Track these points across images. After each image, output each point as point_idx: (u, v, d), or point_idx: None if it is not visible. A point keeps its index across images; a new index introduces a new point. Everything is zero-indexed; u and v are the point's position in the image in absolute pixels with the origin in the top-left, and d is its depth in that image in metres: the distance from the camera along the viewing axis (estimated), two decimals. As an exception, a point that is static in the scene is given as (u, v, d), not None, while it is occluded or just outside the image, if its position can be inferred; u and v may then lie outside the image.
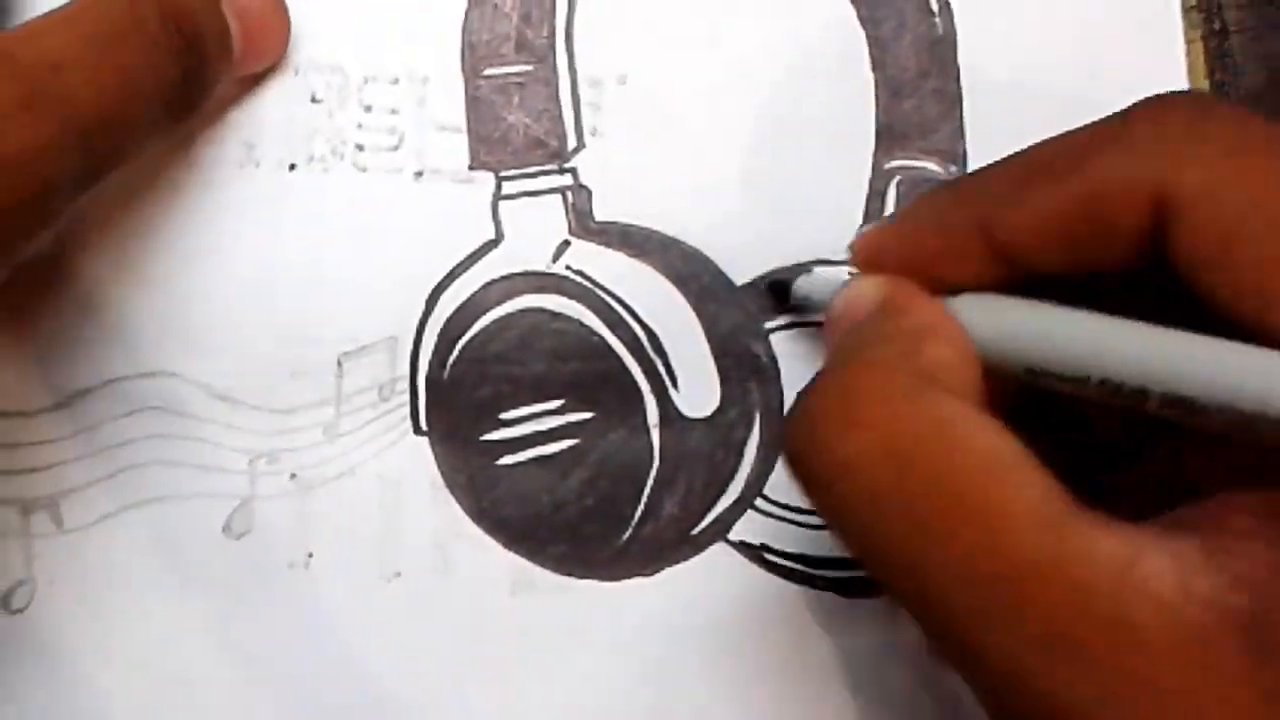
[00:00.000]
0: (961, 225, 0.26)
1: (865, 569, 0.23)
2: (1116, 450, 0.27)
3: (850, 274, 0.28)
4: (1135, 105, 0.24)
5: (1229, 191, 0.22)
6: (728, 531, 0.31)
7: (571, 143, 0.32)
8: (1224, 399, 0.21)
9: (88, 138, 0.25)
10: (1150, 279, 0.23)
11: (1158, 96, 0.25)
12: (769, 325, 0.31)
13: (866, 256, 0.28)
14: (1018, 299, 0.25)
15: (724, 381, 0.31)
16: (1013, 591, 0.20)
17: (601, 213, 0.32)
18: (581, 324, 0.31)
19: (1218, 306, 0.22)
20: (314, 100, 0.31)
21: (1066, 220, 0.24)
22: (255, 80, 0.30)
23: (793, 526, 0.31)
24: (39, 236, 0.26)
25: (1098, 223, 0.24)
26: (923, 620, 0.22)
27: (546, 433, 0.31)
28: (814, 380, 0.25)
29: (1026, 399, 0.25)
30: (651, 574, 0.31)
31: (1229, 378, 0.21)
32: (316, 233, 0.31)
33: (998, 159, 0.27)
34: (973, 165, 0.32)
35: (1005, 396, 0.24)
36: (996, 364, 0.25)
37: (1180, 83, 0.33)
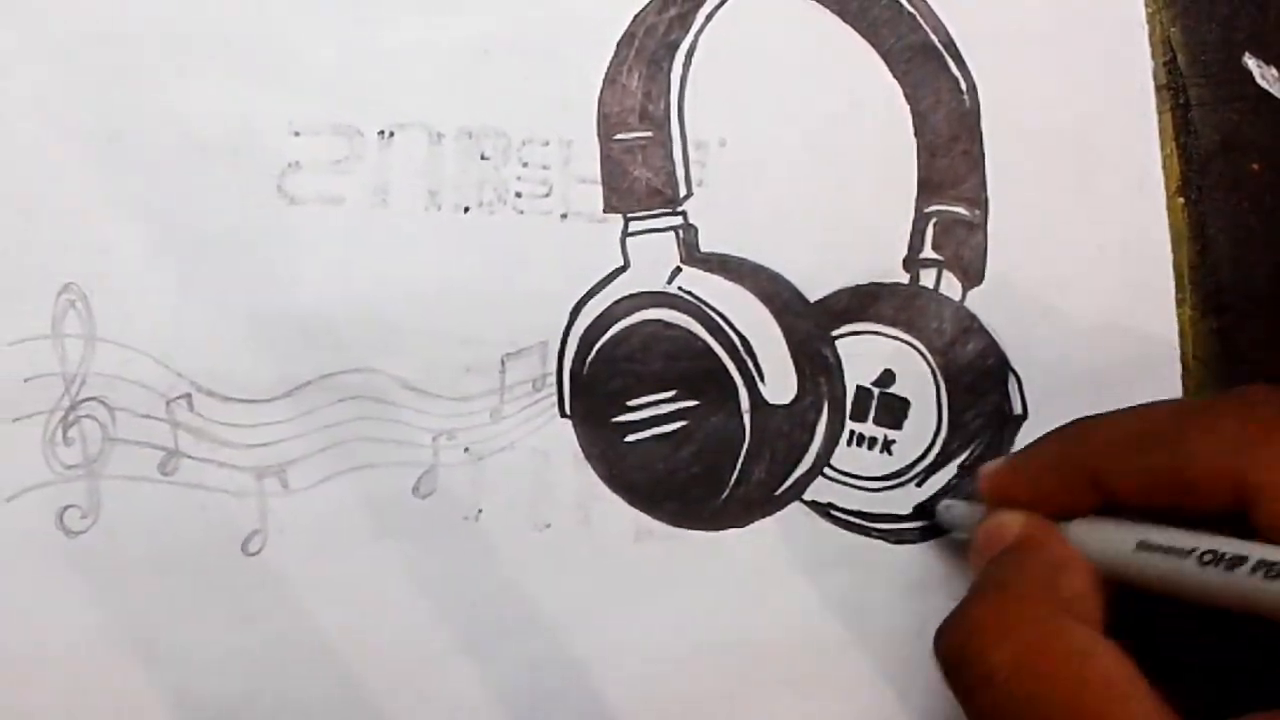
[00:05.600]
0: (1074, 473, 0.28)
1: None
2: (1205, 652, 0.29)
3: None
4: (1224, 395, 0.27)
5: None
6: (803, 493, 0.35)
7: (683, 191, 0.35)
8: None
9: None
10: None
11: (1242, 390, 0.27)
12: (835, 333, 0.36)
13: (992, 487, 0.31)
14: (1121, 521, 0.27)
15: (800, 377, 0.35)
16: None
17: (705, 245, 0.35)
18: (690, 332, 0.34)
19: None
20: (483, 158, 0.35)
21: (1160, 486, 0.26)
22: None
23: (852, 490, 0.36)
24: None
25: (1188, 493, 0.25)
26: None
27: (663, 416, 0.35)
28: (969, 598, 0.27)
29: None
30: (744, 525, 0.35)
31: None
32: (485, 261, 0.34)
33: (1106, 411, 0.29)
34: (993, 210, 0.36)
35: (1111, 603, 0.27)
36: (1107, 574, 0.27)
37: (1152, 143, 0.37)
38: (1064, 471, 0.29)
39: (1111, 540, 0.27)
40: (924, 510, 0.35)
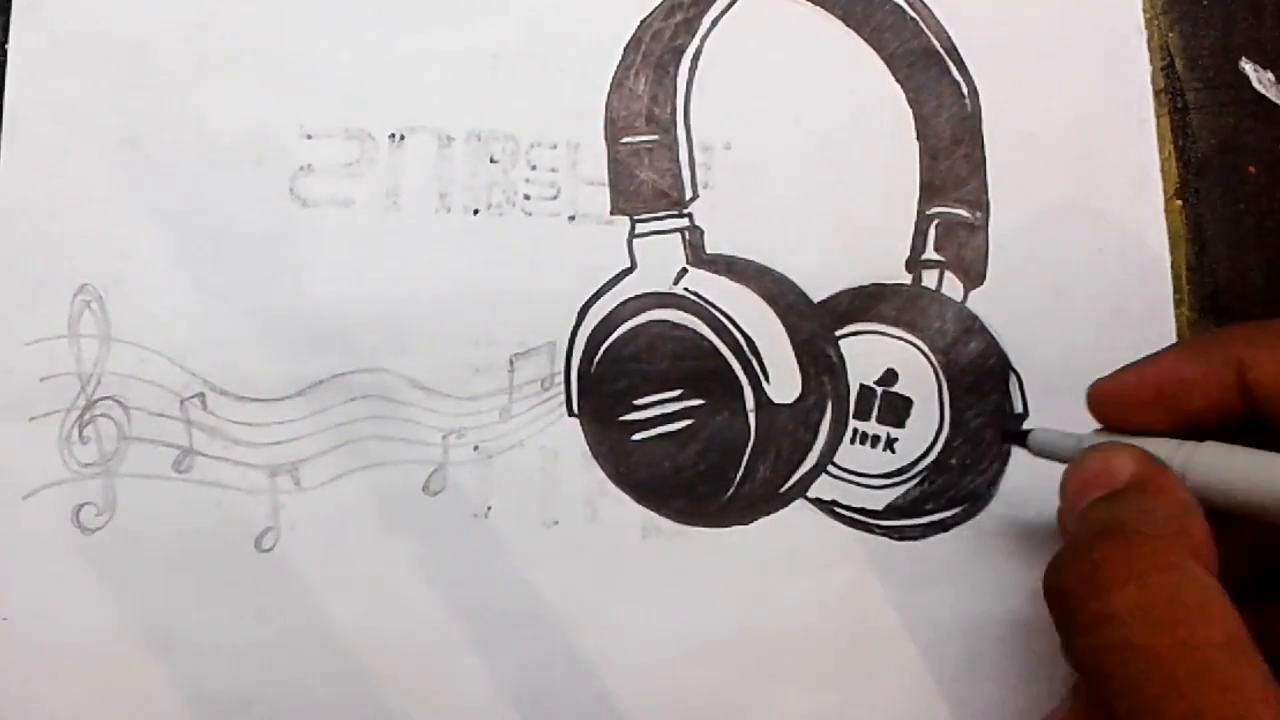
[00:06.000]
0: (1219, 362, 0.26)
1: (1098, 704, 0.23)
2: None
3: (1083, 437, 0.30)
4: None
5: None
6: (807, 490, 0.35)
7: (689, 194, 0.36)
8: None
9: None
10: None
11: None
12: (838, 333, 0.36)
13: (1109, 397, 0.29)
14: (1244, 449, 0.26)
15: (804, 376, 0.35)
16: None
17: (711, 247, 0.36)
18: (696, 332, 0.35)
19: None
20: (492, 161, 0.35)
21: None
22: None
23: (855, 487, 0.36)
24: None
25: None
26: None
27: (669, 415, 0.35)
28: (1088, 537, 0.25)
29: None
30: (749, 522, 0.35)
31: None
32: (494, 262, 0.35)
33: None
34: (994, 212, 0.37)
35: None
36: (1222, 506, 0.26)
37: (1150, 146, 0.37)
38: (1207, 363, 0.27)
39: (1249, 466, 0.25)
40: (1016, 436, 0.33)
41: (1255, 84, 0.39)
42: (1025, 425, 0.34)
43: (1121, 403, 0.28)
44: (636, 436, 0.35)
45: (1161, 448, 0.27)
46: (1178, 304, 0.38)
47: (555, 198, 0.35)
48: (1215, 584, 0.23)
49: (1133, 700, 0.22)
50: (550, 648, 0.34)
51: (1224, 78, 0.38)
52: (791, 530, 0.35)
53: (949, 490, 0.35)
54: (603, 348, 0.35)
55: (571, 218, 0.36)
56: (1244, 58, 0.39)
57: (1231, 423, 0.26)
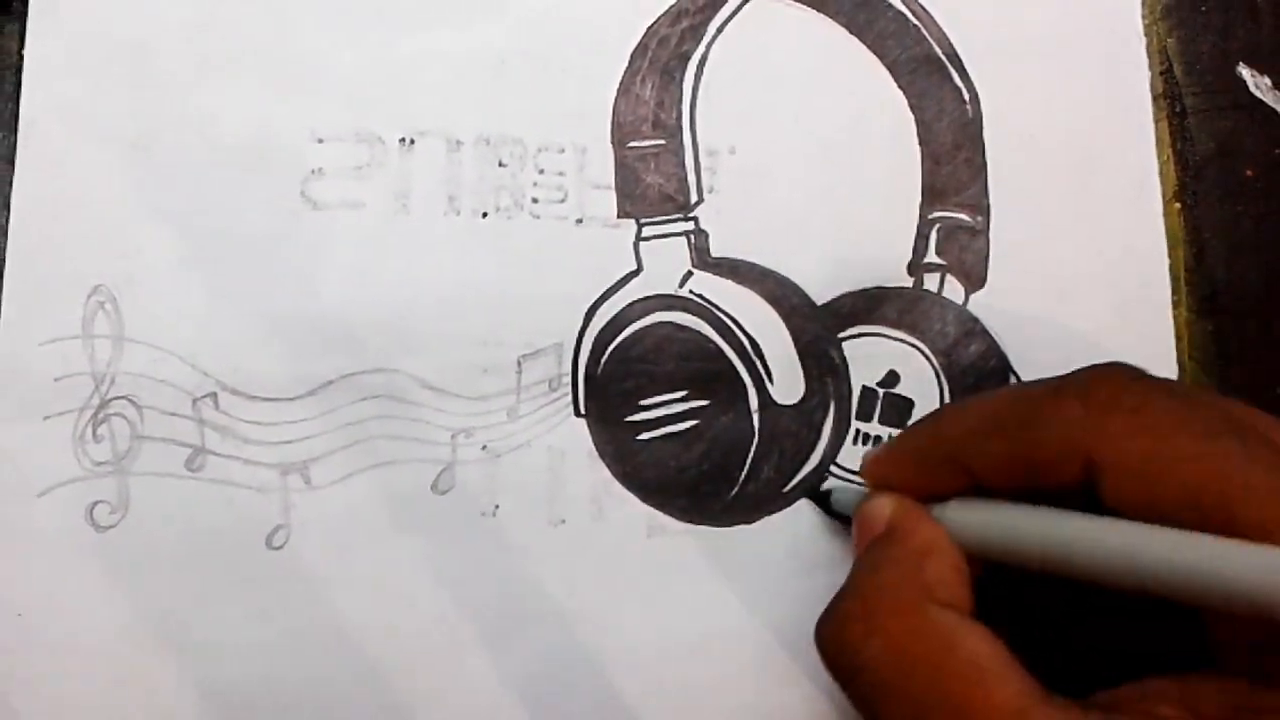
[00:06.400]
0: (940, 458, 0.29)
1: None
2: (1071, 624, 0.30)
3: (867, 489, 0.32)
4: (1072, 376, 0.27)
5: (1138, 460, 0.24)
6: (810, 490, 0.36)
7: (694, 198, 0.36)
8: (1149, 569, 0.24)
9: None
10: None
11: (1088, 370, 0.27)
12: (841, 336, 0.36)
13: (872, 472, 0.31)
14: (988, 501, 0.28)
15: (807, 378, 0.35)
16: None
17: (716, 250, 0.36)
18: (701, 334, 0.35)
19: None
20: (501, 165, 0.36)
21: (1017, 467, 0.27)
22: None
23: (858, 487, 0.35)
24: None
25: (1041, 473, 0.26)
26: None
27: (674, 415, 0.35)
28: (842, 589, 0.28)
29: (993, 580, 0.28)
30: (753, 521, 0.35)
31: (1153, 552, 0.24)
32: (502, 264, 0.35)
33: (970, 396, 0.31)
34: (995, 216, 0.37)
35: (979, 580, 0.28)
36: (978, 552, 0.28)
37: (1149, 150, 0.38)
38: (931, 456, 0.29)
39: (977, 520, 0.28)
40: (817, 496, 0.35)
41: (1252, 89, 0.39)
42: (824, 487, 0.35)
43: (885, 480, 0.30)
44: (642, 436, 0.35)
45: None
46: (1176, 305, 0.38)
47: (563, 201, 0.36)
48: (954, 616, 0.25)
49: None
50: (557, 643, 0.35)
51: (1222, 82, 0.39)
52: (795, 529, 0.35)
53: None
54: (609, 349, 0.35)
55: (579, 221, 0.36)
56: (1241, 63, 0.39)
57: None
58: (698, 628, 0.35)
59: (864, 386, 0.36)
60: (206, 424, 0.35)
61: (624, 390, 0.35)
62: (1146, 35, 0.39)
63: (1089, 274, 0.37)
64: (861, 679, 0.25)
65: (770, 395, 0.35)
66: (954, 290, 0.37)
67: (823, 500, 0.35)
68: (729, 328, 0.35)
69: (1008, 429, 0.27)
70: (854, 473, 0.36)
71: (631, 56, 0.36)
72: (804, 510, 0.36)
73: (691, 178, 0.36)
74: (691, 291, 0.35)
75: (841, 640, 0.26)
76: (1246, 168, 0.39)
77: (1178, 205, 0.38)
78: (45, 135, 0.35)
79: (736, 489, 0.35)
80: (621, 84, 0.36)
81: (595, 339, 0.35)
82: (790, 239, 0.36)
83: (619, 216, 0.36)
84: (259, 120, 0.36)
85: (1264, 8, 0.39)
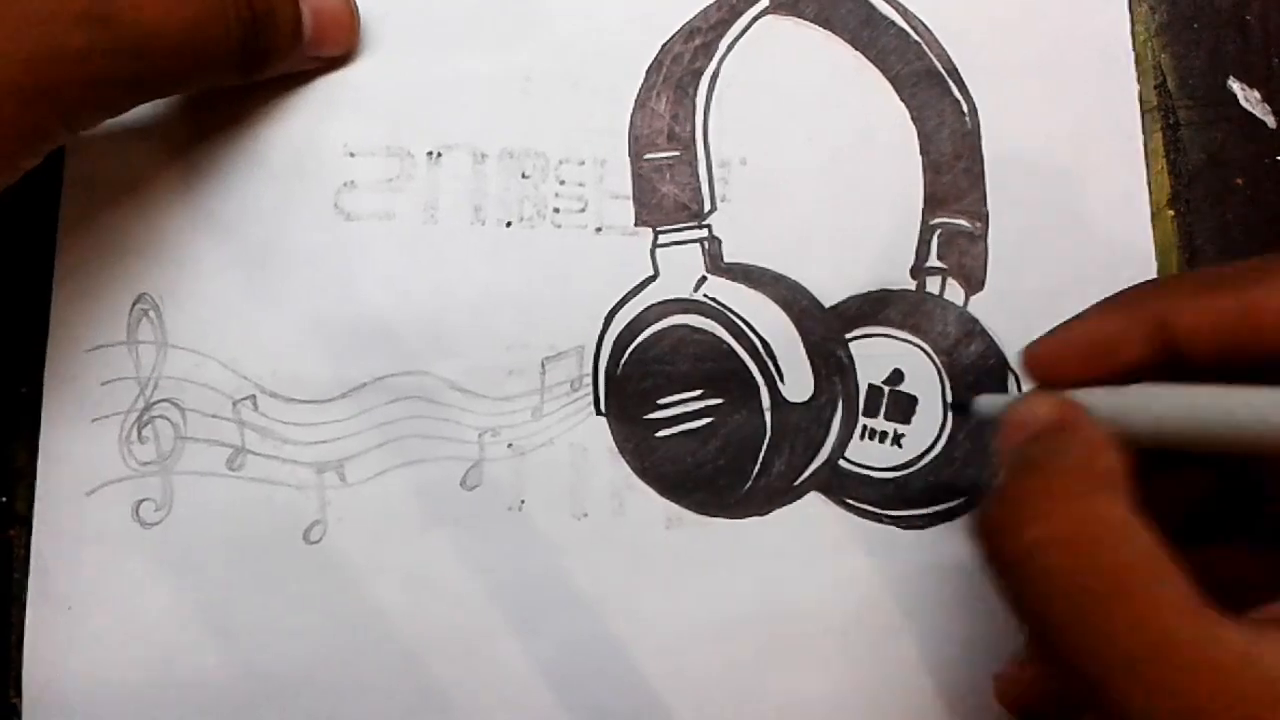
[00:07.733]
0: (1144, 316, 0.26)
1: (1031, 633, 0.24)
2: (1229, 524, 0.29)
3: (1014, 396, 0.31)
4: None
5: None
6: (819, 483, 0.36)
7: (708, 207, 0.36)
8: None
9: (138, 54, 0.27)
10: None
11: None
12: (848, 336, 0.37)
13: (1038, 357, 0.28)
14: (1185, 385, 0.26)
15: (816, 376, 0.36)
16: (1159, 663, 0.21)
17: (729, 256, 0.36)
18: (715, 336, 0.36)
19: None
20: (524, 176, 0.37)
21: (1230, 324, 0.25)
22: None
23: (865, 480, 0.36)
24: (88, 123, 0.29)
25: (1254, 332, 0.24)
26: (1076, 680, 0.22)
27: (690, 414, 0.36)
28: (1003, 480, 0.26)
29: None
30: (765, 514, 0.36)
31: None
32: (526, 271, 0.36)
33: (1174, 273, 0.29)
34: (993, 222, 0.37)
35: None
36: (1153, 440, 0.26)
37: (1139, 160, 0.38)
38: (1128, 318, 0.27)
39: (1172, 402, 0.26)
40: (961, 407, 0.34)
41: (1242, 102, 0.39)
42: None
43: (1052, 363, 0.28)
44: (660, 434, 0.36)
45: (1091, 395, 0.27)
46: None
47: (583, 210, 0.37)
48: (1126, 510, 0.23)
49: (1057, 623, 0.23)
50: (581, 631, 0.35)
51: (1213, 96, 0.39)
52: (805, 520, 0.36)
53: (952, 482, 0.36)
54: (628, 351, 0.36)
55: (598, 229, 0.37)
56: (1231, 77, 0.39)
57: (1163, 373, 0.26)
58: (714, 613, 0.36)
59: (870, 384, 0.37)
60: (246, 425, 0.36)
61: (642, 390, 0.36)
62: (1141, 51, 0.39)
63: (1083, 277, 0.37)
64: (1027, 565, 0.23)
65: (781, 393, 0.36)
66: (955, 293, 0.37)
67: (962, 410, 0.34)
68: (742, 330, 0.36)
69: (1227, 286, 0.25)
70: (864, 466, 0.37)
71: (647, 73, 0.37)
72: (814, 503, 0.37)
73: (705, 187, 0.36)
74: (706, 295, 0.36)
75: (1007, 525, 0.24)
76: (1236, 177, 0.39)
77: (1171, 213, 0.39)
78: (93, 148, 0.36)
79: (750, 483, 0.36)
80: (638, 99, 0.37)
81: (615, 341, 0.36)
82: (799, 245, 0.37)
83: (636, 225, 0.36)
84: (297, 137, 0.37)
85: (1253, 25, 0.40)
